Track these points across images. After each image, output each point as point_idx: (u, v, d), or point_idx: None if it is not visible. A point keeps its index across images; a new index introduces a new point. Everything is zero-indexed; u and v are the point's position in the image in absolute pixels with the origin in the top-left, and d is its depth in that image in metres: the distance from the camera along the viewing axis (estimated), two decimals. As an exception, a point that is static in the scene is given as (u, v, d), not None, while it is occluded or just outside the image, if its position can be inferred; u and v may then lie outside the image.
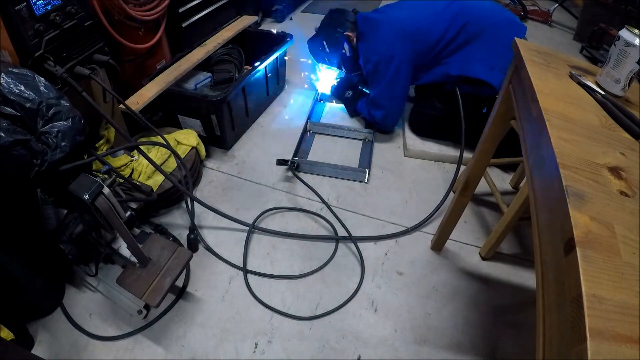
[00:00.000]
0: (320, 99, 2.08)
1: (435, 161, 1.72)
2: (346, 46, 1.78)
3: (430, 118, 1.71)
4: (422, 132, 1.77)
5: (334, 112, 2.02)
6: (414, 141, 1.76)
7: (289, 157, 1.66)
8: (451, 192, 1.52)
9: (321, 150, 1.79)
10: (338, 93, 2.03)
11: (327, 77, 2.11)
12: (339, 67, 1.93)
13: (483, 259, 1.32)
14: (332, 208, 1.47)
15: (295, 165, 1.64)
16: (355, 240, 1.35)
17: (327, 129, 1.88)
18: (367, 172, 1.63)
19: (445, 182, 1.61)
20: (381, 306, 1.18)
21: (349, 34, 1.75)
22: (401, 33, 1.60)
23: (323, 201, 1.49)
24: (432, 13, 1.61)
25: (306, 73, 2.27)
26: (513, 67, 0.86)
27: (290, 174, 1.62)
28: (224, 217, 1.36)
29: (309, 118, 1.93)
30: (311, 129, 1.89)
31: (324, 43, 1.82)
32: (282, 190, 1.55)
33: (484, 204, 1.52)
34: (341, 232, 1.39)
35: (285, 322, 1.14)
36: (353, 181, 1.61)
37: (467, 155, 1.61)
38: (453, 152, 1.70)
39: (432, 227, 1.40)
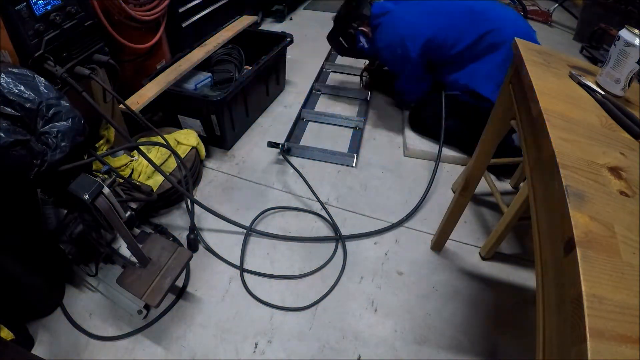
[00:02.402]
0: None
1: (435, 161, 1.71)
2: (362, 39, 1.77)
3: (432, 118, 1.70)
4: (422, 131, 1.77)
5: (328, 101, 2.08)
6: (413, 141, 1.76)
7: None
8: (432, 186, 1.56)
9: (313, 136, 1.85)
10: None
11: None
12: (362, 57, 1.99)
13: (483, 259, 1.32)
14: (326, 205, 1.47)
15: (286, 148, 1.68)
16: (343, 239, 1.36)
17: (320, 117, 1.94)
18: (355, 156, 1.70)
19: (446, 182, 1.61)
20: (381, 306, 1.18)
21: (364, 29, 1.74)
22: (415, 30, 1.56)
23: (309, 187, 1.51)
24: (453, 12, 1.54)
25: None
26: (513, 67, 0.86)
27: (293, 172, 1.62)
28: (223, 220, 1.36)
29: (303, 106, 1.99)
30: (305, 117, 1.94)
31: (341, 39, 1.83)
32: (282, 190, 1.55)
33: (484, 204, 1.52)
34: (343, 231, 1.39)
35: (285, 322, 1.14)
36: (342, 165, 1.68)
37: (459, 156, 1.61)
38: (453, 153, 1.70)
39: (432, 227, 1.40)
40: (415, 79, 1.70)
